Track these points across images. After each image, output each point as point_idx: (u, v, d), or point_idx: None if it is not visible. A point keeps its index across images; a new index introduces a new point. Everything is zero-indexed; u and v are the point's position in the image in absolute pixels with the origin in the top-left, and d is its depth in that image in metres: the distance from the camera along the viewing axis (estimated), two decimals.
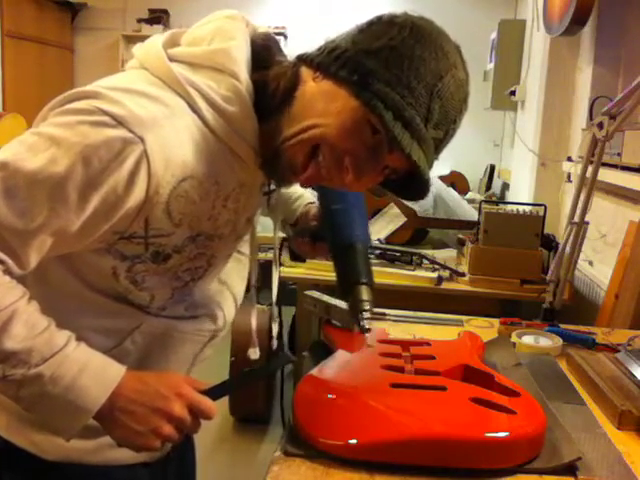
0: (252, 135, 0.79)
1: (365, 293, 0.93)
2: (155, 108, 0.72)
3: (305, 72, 0.78)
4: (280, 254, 1.05)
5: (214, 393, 0.80)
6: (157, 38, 0.81)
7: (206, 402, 0.78)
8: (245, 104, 0.77)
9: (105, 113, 0.69)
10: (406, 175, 0.79)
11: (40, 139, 0.70)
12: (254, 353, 1.00)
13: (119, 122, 0.69)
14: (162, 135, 0.72)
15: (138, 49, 0.82)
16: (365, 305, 0.93)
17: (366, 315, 0.92)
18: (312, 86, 0.77)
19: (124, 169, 0.69)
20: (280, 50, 0.85)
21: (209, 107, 0.76)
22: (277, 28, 4.67)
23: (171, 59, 0.78)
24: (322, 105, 0.75)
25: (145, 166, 0.70)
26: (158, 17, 4.96)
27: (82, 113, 0.70)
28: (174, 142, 0.73)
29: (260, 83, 0.79)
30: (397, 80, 0.73)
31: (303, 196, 1.12)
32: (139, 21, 5.01)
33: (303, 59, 0.78)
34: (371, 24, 0.76)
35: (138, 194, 0.72)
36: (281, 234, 1.06)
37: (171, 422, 0.75)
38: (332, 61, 0.75)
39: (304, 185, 0.85)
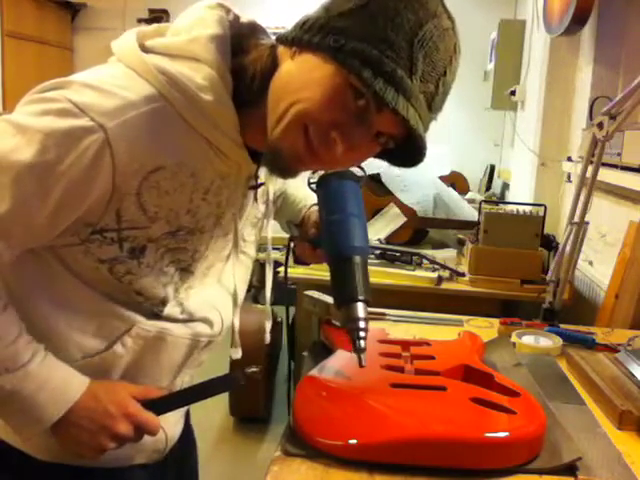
0: (230, 126, 0.77)
1: (361, 310, 0.88)
2: (123, 97, 0.72)
3: (282, 52, 0.76)
4: (287, 254, 1.03)
5: (161, 406, 0.84)
6: (132, 31, 0.81)
7: (151, 421, 0.82)
8: (221, 93, 0.75)
9: (70, 102, 0.69)
10: (403, 141, 0.75)
11: (7, 126, 0.71)
12: (235, 353, 0.99)
13: (82, 110, 0.69)
14: (128, 124, 0.71)
15: (114, 43, 0.81)
16: (360, 323, 0.88)
17: (362, 334, 0.87)
18: (289, 64, 0.75)
19: (85, 158, 0.69)
20: (268, 38, 0.83)
21: (181, 96, 0.74)
22: (277, 28, 4.67)
23: (149, 51, 0.77)
24: (300, 79, 0.73)
25: (108, 155, 0.70)
26: (158, 17, 4.96)
27: (49, 102, 0.71)
28: (142, 131, 0.72)
29: (239, 71, 0.77)
30: (372, 35, 0.69)
31: (308, 197, 1.09)
32: (139, 21, 5.00)
33: (279, 39, 0.76)
34: None
35: (103, 184, 0.71)
36: (282, 234, 1.05)
37: (114, 440, 0.80)
38: (305, 32, 0.72)
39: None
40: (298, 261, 1.08)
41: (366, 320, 0.88)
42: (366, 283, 0.90)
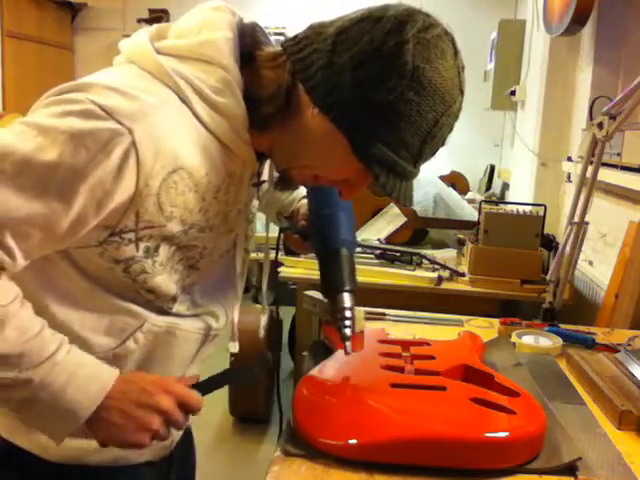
0: (242, 127, 0.79)
1: (347, 300, 0.94)
2: (145, 100, 0.72)
3: (303, 97, 0.77)
4: (277, 244, 1.05)
5: (202, 388, 0.82)
6: (143, 32, 0.81)
7: (194, 395, 0.78)
8: (235, 95, 0.77)
9: (94, 104, 0.69)
10: None
11: (28, 128, 0.69)
12: (233, 347, 0.99)
13: (108, 113, 0.69)
14: (151, 126, 0.71)
15: (125, 44, 0.81)
16: (346, 312, 0.93)
17: (347, 323, 0.93)
18: (310, 120, 0.77)
19: (112, 160, 0.69)
20: (268, 40, 0.84)
21: (198, 98, 0.76)
22: (277, 28, 4.67)
23: (159, 52, 0.77)
24: (320, 147, 0.78)
25: (134, 158, 0.70)
26: (158, 17, 4.96)
27: (71, 103, 0.70)
28: (164, 133, 0.72)
29: (251, 81, 0.79)
30: (393, 139, 0.74)
31: (298, 189, 1.12)
32: (139, 21, 5.00)
33: (300, 80, 0.76)
34: (374, 55, 0.72)
35: (127, 186, 0.71)
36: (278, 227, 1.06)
37: (159, 414, 0.75)
38: (331, 105, 0.74)
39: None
40: (289, 251, 1.11)
41: (352, 309, 0.94)
42: (352, 274, 0.96)
